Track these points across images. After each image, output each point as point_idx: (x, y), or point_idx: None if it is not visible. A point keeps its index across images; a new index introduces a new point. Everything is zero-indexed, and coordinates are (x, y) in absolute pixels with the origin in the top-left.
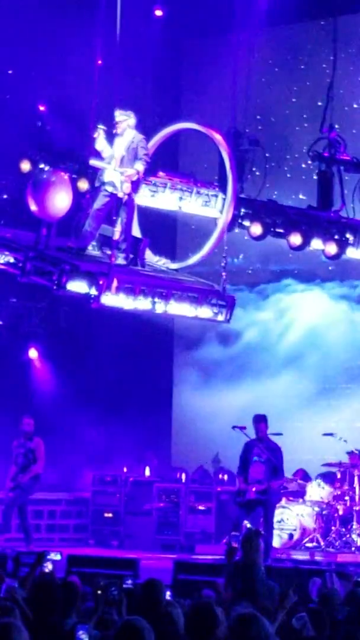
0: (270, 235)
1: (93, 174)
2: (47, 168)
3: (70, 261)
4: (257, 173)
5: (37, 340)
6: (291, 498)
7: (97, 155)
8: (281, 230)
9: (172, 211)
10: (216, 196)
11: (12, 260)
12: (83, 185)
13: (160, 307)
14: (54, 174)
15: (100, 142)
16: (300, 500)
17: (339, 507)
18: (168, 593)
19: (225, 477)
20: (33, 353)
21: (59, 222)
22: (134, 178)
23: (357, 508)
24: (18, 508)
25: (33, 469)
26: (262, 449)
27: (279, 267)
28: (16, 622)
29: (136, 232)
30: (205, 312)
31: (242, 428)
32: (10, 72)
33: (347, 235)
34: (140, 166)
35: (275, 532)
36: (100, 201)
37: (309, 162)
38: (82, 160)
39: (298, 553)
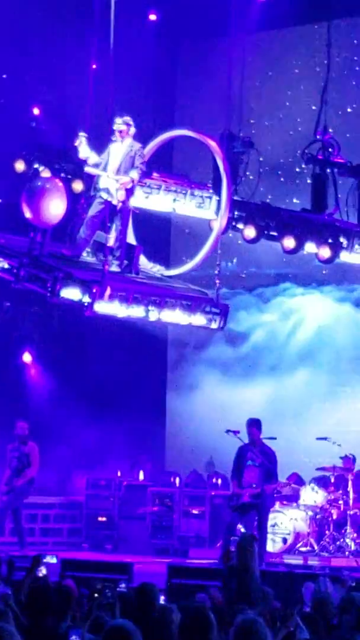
0: (264, 239)
1: (88, 176)
2: (41, 168)
3: (64, 269)
4: (251, 177)
5: (31, 344)
6: (285, 502)
7: (84, 163)
8: (275, 234)
9: (166, 214)
10: (210, 198)
11: (6, 266)
12: (77, 186)
13: (154, 314)
14: (49, 181)
15: (83, 149)
16: (294, 504)
17: (332, 511)
18: (162, 597)
19: (219, 481)
20: (27, 357)
21: (53, 226)
22: (129, 186)
23: (351, 512)
24: (12, 512)
25: (27, 473)
26: (256, 453)
27: (274, 270)
28: (9, 626)
29: (131, 239)
30: (198, 319)
31: (236, 432)
32: (4, 76)
33: (341, 239)
34: (135, 174)
35: (269, 537)
36: (95, 208)
37: (303, 166)
38: (76, 161)
39: (292, 557)
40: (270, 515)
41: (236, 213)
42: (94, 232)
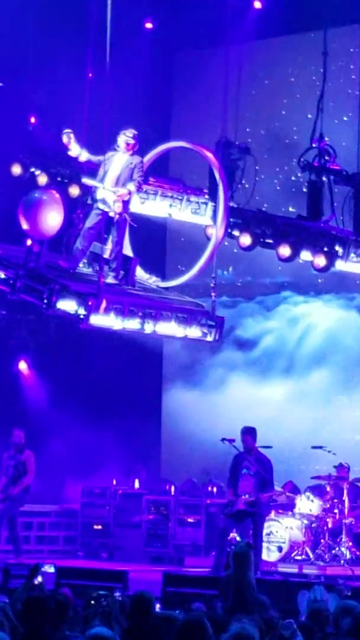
0: (260, 246)
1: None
2: (38, 172)
3: (59, 281)
4: (247, 186)
5: (26, 352)
6: (280, 511)
7: (75, 160)
8: (270, 241)
9: (161, 222)
10: (206, 204)
11: (2, 276)
12: (74, 190)
13: (149, 327)
14: (46, 193)
15: (73, 147)
16: (290, 513)
17: (328, 519)
18: (157, 605)
19: (215, 489)
20: (23, 365)
21: (51, 238)
22: (126, 198)
23: (347, 521)
24: (8, 520)
25: (23, 481)
26: (252, 461)
27: (270, 279)
28: (4, 635)
29: (127, 251)
30: (194, 332)
31: (231, 441)
32: (1, 84)
33: (337, 248)
34: (132, 187)
35: (264, 545)
36: (92, 220)
37: (299, 174)
38: (73, 165)
39: (287, 566)
40: (266, 524)
41: (232, 220)
42: (91, 243)
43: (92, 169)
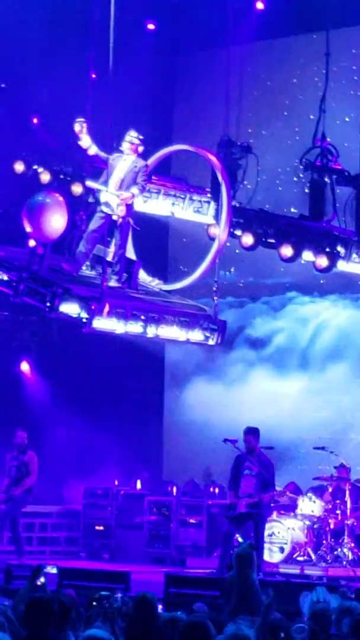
0: (262, 246)
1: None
2: (40, 170)
3: (62, 284)
4: (249, 186)
5: (29, 353)
6: (282, 512)
7: (78, 158)
8: (272, 241)
9: (164, 222)
10: (208, 203)
11: (5, 278)
12: (77, 188)
13: (152, 331)
14: (49, 196)
15: (85, 138)
16: (292, 514)
17: (330, 520)
18: (160, 606)
19: (216, 490)
20: (25, 366)
21: (54, 241)
22: (129, 201)
23: (348, 522)
24: (10, 521)
25: (26, 482)
26: (254, 462)
27: (272, 280)
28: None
29: (130, 254)
30: (196, 335)
31: (234, 441)
32: (3, 85)
33: (339, 248)
34: (136, 191)
35: (266, 546)
36: (95, 223)
37: (301, 175)
38: (76, 162)
39: (289, 567)
40: (268, 525)
41: (234, 219)
42: (94, 246)
43: (95, 171)
